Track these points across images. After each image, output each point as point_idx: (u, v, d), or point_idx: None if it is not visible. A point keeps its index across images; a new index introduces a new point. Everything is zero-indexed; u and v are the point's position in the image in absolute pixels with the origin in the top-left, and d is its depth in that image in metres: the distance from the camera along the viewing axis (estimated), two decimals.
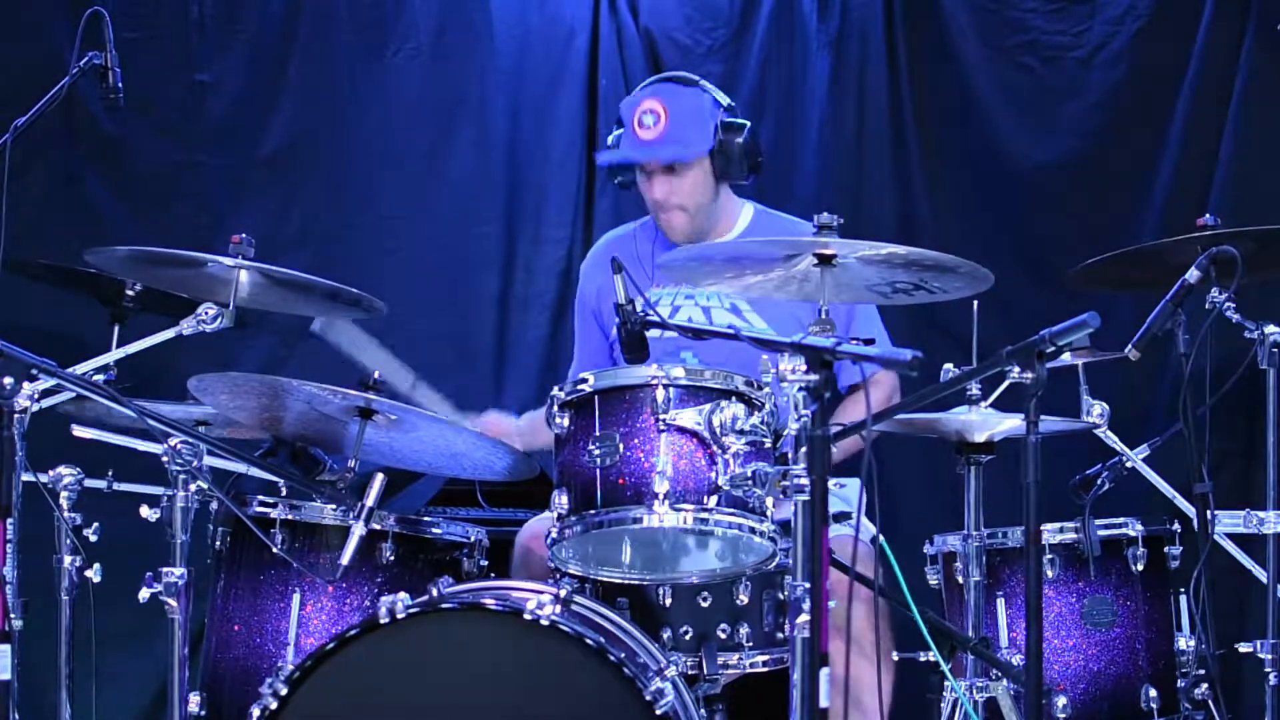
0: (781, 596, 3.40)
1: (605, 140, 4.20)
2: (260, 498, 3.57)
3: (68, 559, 3.55)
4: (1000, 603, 3.62)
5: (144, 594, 3.20)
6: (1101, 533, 3.60)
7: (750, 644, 3.43)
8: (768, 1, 5.39)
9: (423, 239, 5.33)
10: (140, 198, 5.16)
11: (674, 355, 3.91)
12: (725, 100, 4.09)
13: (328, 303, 3.73)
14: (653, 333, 3.33)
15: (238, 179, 5.24)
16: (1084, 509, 3.58)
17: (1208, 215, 3.59)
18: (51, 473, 3.56)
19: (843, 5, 5.36)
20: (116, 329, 4.09)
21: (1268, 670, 3.44)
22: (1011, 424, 3.40)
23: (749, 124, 4.07)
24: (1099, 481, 3.61)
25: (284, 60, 5.27)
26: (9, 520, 3.01)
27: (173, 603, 3.19)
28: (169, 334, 3.50)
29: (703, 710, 3.30)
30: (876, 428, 2.93)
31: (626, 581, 3.39)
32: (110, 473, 3.87)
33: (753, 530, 3.20)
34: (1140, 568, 3.64)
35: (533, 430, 3.99)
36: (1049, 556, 3.59)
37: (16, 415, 3.03)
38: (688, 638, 3.41)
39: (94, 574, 3.57)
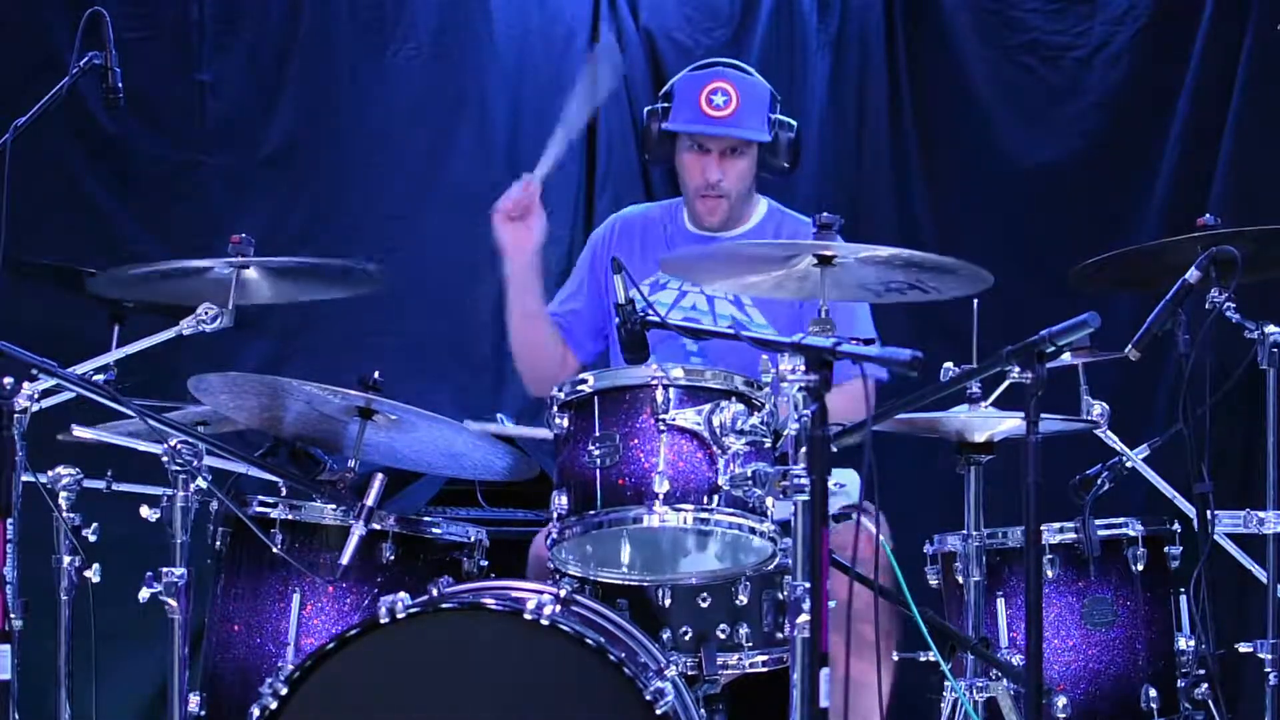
0: (781, 596, 3.40)
1: (647, 117, 4.15)
2: (260, 498, 3.57)
3: (67, 559, 3.55)
4: (1000, 603, 3.61)
5: (144, 594, 3.20)
6: (1101, 533, 3.59)
7: (750, 644, 3.43)
8: (768, 1, 5.39)
9: (423, 239, 5.32)
10: (140, 198, 5.16)
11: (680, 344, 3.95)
12: (779, 95, 4.13)
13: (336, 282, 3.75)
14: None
15: (238, 179, 5.23)
16: (1084, 509, 3.57)
17: (1208, 215, 3.58)
18: (50, 473, 3.56)
19: (843, 5, 5.37)
20: (116, 329, 4.08)
21: (1268, 670, 3.42)
22: (1011, 424, 3.40)
23: (796, 123, 4.12)
24: (1099, 481, 3.60)
25: (284, 60, 5.27)
26: (9, 520, 3.01)
27: (173, 603, 3.19)
28: (169, 334, 3.49)
29: (703, 710, 3.30)
30: (876, 429, 2.92)
31: (626, 582, 3.39)
32: (109, 473, 3.87)
33: (753, 530, 3.20)
34: (1140, 568, 3.63)
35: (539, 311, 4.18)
36: (1049, 556, 3.58)
37: (16, 415, 3.03)
38: (687, 638, 3.41)
39: (93, 574, 3.57)
